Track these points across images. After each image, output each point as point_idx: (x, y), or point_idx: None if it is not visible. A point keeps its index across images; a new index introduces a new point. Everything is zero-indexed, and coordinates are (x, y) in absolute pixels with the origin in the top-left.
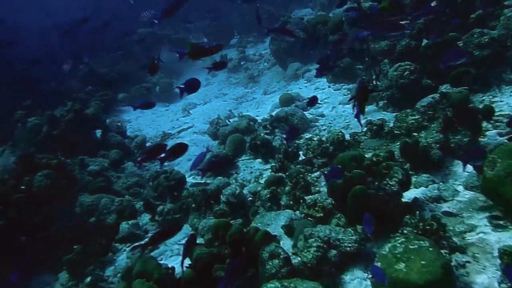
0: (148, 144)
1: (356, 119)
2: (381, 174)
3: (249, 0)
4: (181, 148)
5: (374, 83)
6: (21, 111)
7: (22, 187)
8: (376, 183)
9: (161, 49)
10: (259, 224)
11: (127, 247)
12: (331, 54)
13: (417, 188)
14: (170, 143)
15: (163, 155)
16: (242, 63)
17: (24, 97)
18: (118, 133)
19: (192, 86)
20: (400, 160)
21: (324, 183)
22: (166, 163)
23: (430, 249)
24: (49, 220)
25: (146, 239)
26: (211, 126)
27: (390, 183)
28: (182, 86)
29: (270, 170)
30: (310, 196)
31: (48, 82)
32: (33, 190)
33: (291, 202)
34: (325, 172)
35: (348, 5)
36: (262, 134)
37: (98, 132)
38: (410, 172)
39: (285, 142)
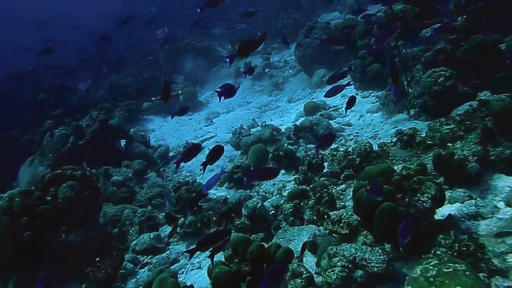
0: (171, 154)
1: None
2: (412, 190)
3: (285, 44)
4: (218, 151)
5: (406, 90)
6: (50, 121)
7: (48, 198)
8: (407, 199)
9: (185, 58)
10: (281, 240)
11: (149, 260)
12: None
13: (451, 204)
14: None
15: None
16: (266, 70)
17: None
18: (142, 143)
19: (228, 91)
20: (433, 173)
21: (350, 196)
22: (188, 173)
23: (467, 272)
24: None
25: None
26: (233, 136)
27: (421, 199)
28: (219, 89)
29: (293, 182)
30: (335, 212)
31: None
32: (58, 201)
33: (315, 217)
34: (366, 187)
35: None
36: (285, 145)
37: (122, 142)
38: (444, 187)
39: (315, 148)
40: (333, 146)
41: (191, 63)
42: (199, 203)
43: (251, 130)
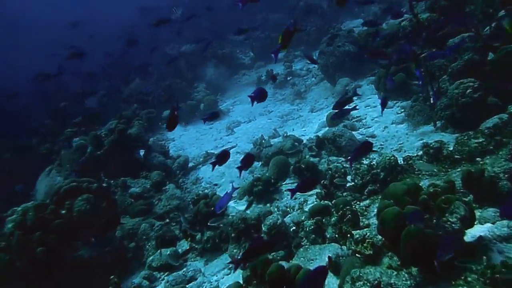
0: (190, 164)
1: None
2: (440, 209)
3: (314, 62)
4: (251, 159)
5: (432, 101)
6: (70, 129)
7: (63, 211)
8: (434, 220)
9: (207, 65)
10: (302, 259)
11: (165, 276)
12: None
13: (482, 224)
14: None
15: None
16: (288, 78)
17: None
18: (161, 153)
19: (260, 95)
20: (462, 191)
21: (374, 213)
22: (208, 184)
23: None
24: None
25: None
26: (254, 146)
27: (450, 220)
28: (252, 94)
29: (315, 197)
30: (358, 231)
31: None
32: (73, 214)
33: (338, 236)
34: (408, 214)
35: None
36: (307, 157)
37: (141, 152)
38: (474, 205)
39: (349, 160)
40: None
41: (212, 70)
42: (209, 223)
43: (272, 140)
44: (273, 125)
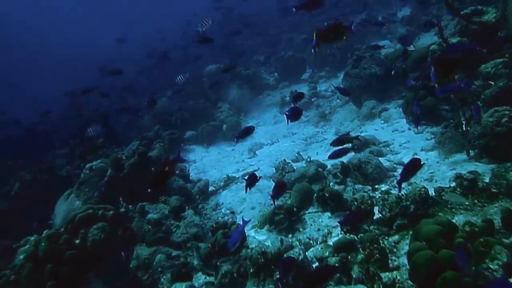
0: (211, 188)
1: None
2: (479, 253)
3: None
4: (283, 187)
5: (464, 128)
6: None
7: (77, 241)
8: (473, 267)
9: (229, 86)
10: None
11: None
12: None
13: None
14: (233, 188)
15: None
16: (313, 99)
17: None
18: (181, 176)
19: (295, 114)
20: (502, 231)
21: (404, 251)
22: (228, 210)
23: None
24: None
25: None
26: (276, 171)
27: (491, 266)
28: (287, 113)
29: (339, 229)
30: (387, 274)
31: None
32: (87, 244)
33: (364, 277)
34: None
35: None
36: (331, 184)
37: None
38: None
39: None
40: (384, 188)
41: (236, 91)
42: (218, 263)
43: (295, 164)
44: (296, 148)
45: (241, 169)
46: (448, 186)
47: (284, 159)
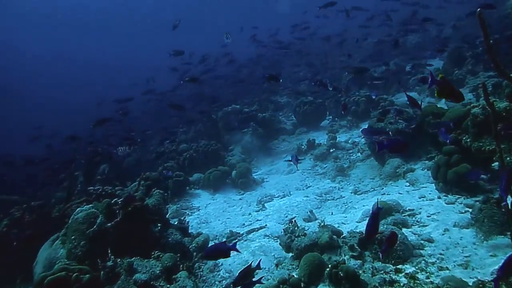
0: (211, 243)
1: None
2: None
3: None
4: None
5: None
6: (92, 188)
7: None
8: None
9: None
10: None
11: None
12: None
13: None
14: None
15: None
16: (331, 150)
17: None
18: (179, 229)
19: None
20: None
21: None
22: (227, 273)
23: None
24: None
25: None
26: (285, 233)
27: None
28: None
29: None
30: None
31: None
32: None
33: None
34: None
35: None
36: (347, 258)
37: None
38: None
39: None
40: (410, 270)
41: (250, 134)
42: None
43: (307, 224)
44: (309, 204)
45: (247, 223)
46: (489, 280)
47: (295, 221)
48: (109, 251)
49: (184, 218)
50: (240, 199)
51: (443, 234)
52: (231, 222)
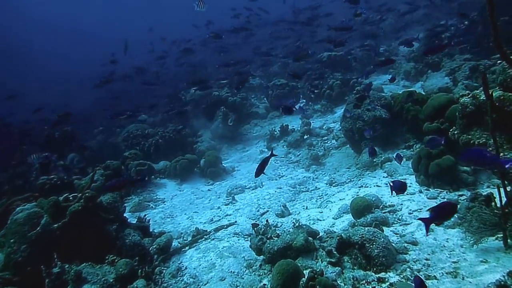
0: (174, 243)
1: None
2: None
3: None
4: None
5: (502, 209)
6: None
7: None
8: None
9: (214, 113)
10: None
11: None
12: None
13: None
14: (202, 247)
15: None
16: (305, 137)
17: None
18: (138, 228)
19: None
20: None
21: None
22: (191, 279)
23: None
24: None
25: None
26: (255, 234)
27: None
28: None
29: None
30: None
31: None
32: None
33: None
34: None
35: None
36: (324, 265)
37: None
38: None
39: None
40: (394, 279)
41: (220, 119)
42: None
43: (280, 220)
44: (282, 197)
45: (215, 218)
46: None
47: (267, 221)
48: (55, 256)
49: (145, 216)
50: (208, 190)
51: (427, 236)
52: (198, 216)
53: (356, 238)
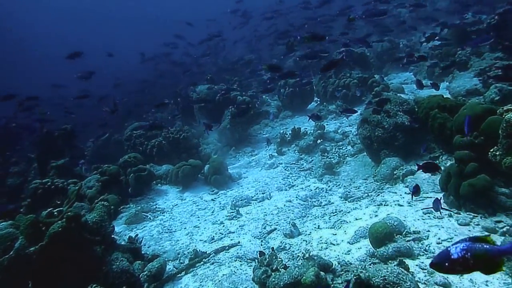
0: (168, 267)
1: None
2: None
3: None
4: None
5: None
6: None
7: None
8: None
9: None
10: None
11: None
12: None
13: None
14: (200, 272)
15: None
16: (318, 141)
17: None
18: (129, 250)
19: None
20: None
21: None
22: None
23: None
24: None
25: None
26: (259, 265)
27: None
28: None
29: None
30: None
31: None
32: None
33: None
34: None
35: None
36: None
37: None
38: None
39: None
40: None
41: (228, 119)
42: None
43: (288, 241)
44: (292, 212)
45: (216, 236)
46: None
47: (272, 248)
48: (29, 285)
49: (137, 235)
50: (212, 199)
51: (461, 276)
52: (198, 233)
53: (377, 280)
